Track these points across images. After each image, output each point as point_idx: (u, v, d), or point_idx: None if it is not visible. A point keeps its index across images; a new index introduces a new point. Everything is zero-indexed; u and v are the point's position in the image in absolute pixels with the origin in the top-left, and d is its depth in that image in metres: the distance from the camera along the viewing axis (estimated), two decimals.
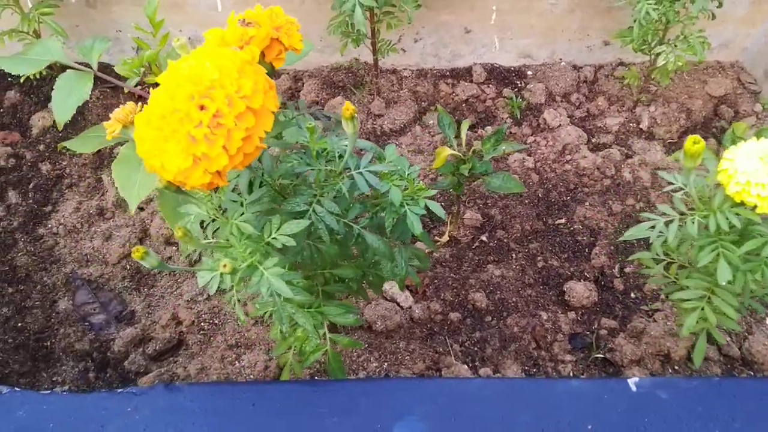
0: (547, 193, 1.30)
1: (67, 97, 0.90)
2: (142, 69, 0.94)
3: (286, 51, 0.67)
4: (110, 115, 0.73)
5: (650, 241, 0.80)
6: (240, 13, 0.67)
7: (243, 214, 0.65)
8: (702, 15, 1.16)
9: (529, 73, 1.49)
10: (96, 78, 0.93)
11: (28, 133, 1.36)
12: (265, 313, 0.78)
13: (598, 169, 1.33)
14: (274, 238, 0.63)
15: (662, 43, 1.24)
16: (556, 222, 1.26)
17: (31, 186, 1.27)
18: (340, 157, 0.69)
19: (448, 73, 1.49)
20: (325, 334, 0.79)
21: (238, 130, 0.55)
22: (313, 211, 0.66)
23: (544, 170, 1.33)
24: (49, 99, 1.39)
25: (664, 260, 0.92)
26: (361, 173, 0.66)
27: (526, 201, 1.29)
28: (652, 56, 1.28)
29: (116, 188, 1.23)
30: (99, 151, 1.32)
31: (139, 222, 1.23)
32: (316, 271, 0.78)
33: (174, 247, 1.20)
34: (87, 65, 0.94)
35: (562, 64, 1.49)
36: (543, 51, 1.47)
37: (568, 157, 1.34)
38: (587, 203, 1.28)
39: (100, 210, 1.23)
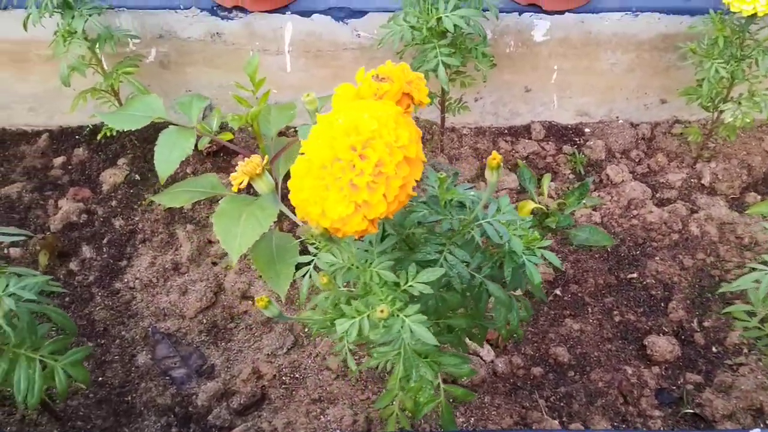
0: (616, 248, 1.30)
1: (171, 152, 0.92)
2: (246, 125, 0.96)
3: (414, 105, 0.69)
4: (236, 168, 0.74)
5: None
6: (371, 71, 0.69)
7: (376, 262, 0.65)
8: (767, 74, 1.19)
9: (587, 130, 1.52)
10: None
11: (99, 189, 1.38)
12: (355, 366, 0.78)
13: (665, 223, 1.33)
14: (410, 285, 0.64)
15: (727, 100, 1.27)
16: (629, 276, 1.26)
17: (104, 241, 1.29)
18: (463, 205, 0.70)
19: (506, 131, 1.52)
20: (439, 384, 0.79)
21: (397, 178, 0.56)
22: (445, 259, 0.67)
23: (612, 225, 1.34)
24: (117, 156, 1.44)
25: (755, 312, 0.92)
26: (490, 223, 0.67)
27: (597, 255, 1.29)
28: (716, 113, 1.31)
29: (191, 243, 1.25)
30: (171, 207, 1.33)
31: (213, 277, 1.23)
32: (433, 321, 0.78)
33: (249, 302, 1.20)
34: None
35: (620, 121, 1.52)
36: (600, 109, 1.50)
37: (635, 212, 1.35)
38: (657, 257, 1.28)
39: (175, 265, 1.24)
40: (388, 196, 0.56)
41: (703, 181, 1.41)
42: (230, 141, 1.24)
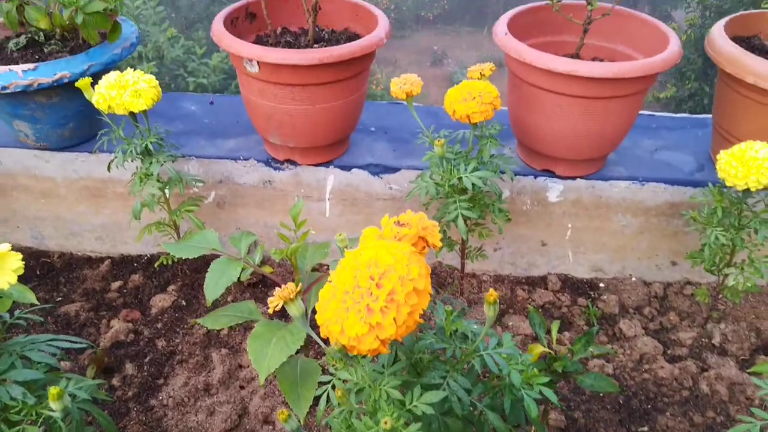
0: (627, 400, 1.34)
1: (219, 279, 1.06)
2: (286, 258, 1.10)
3: (428, 247, 0.82)
4: (274, 293, 0.87)
5: None
6: (393, 217, 0.83)
7: (386, 381, 0.75)
8: (766, 242, 1.29)
9: (602, 285, 1.61)
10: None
11: (148, 312, 1.51)
12: None
13: (675, 380, 1.38)
14: (414, 405, 0.72)
15: (730, 265, 1.36)
16: (639, 429, 1.29)
17: (146, 360, 1.39)
18: (466, 337, 0.80)
19: (523, 280, 1.63)
20: None
21: (406, 305, 0.67)
22: (447, 384, 0.76)
23: (624, 377, 1.39)
24: (168, 283, 1.59)
25: None
26: (490, 354, 0.77)
27: (608, 406, 1.33)
28: (721, 277, 1.40)
29: (223, 366, 1.35)
30: (208, 331, 1.45)
31: (240, 400, 1.31)
32: None
33: (270, 426, 1.27)
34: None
35: (633, 279, 1.62)
36: (614, 266, 1.61)
37: (646, 366, 1.41)
38: (668, 413, 1.32)
39: (206, 386, 1.33)
40: (398, 321, 0.67)
41: (713, 341, 1.46)
42: (270, 273, 1.39)
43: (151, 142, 1.28)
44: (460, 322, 0.78)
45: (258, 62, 1.28)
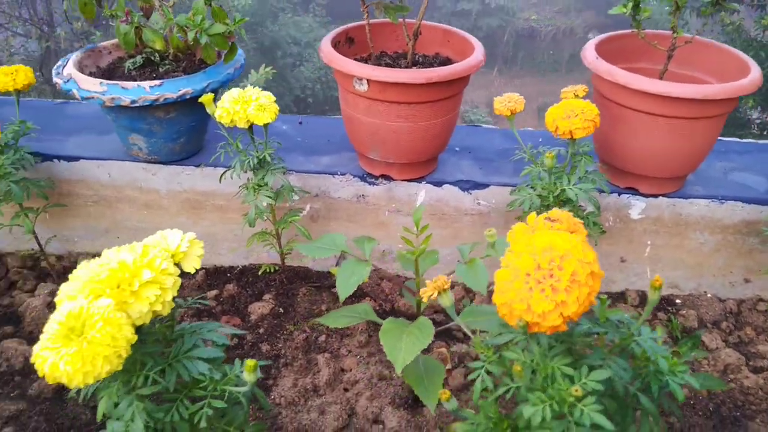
0: (717, 408, 1.39)
1: (350, 278, 1.13)
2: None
3: None
4: (427, 282, 0.94)
5: None
6: (544, 214, 0.90)
7: (556, 360, 0.81)
8: None
9: (678, 301, 1.67)
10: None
11: (247, 319, 1.58)
12: None
13: (761, 389, 1.43)
14: (584, 382, 0.79)
15: None
16: None
17: None
18: (622, 323, 0.86)
19: (604, 295, 1.68)
20: None
21: (586, 286, 0.74)
22: (608, 365, 0.82)
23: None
24: (262, 293, 1.66)
25: None
26: (644, 340, 0.83)
27: (700, 413, 1.38)
28: None
29: (328, 368, 1.41)
30: (308, 336, 1.52)
31: (346, 401, 1.37)
32: None
33: (380, 426, 1.32)
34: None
35: (708, 295, 1.67)
36: (690, 283, 1.67)
37: (732, 376, 1.46)
38: (758, 419, 1.36)
39: (314, 387, 1.39)
40: (579, 299, 0.74)
41: None
42: (367, 284, 1.46)
43: (269, 154, 1.37)
44: (617, 310, 0.85)
45: (368, 81, 1.37)
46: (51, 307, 1.55)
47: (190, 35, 1.38)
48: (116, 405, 0.82)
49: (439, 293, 0.92)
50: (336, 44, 1.54)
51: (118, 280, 0.78)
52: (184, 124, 1.51)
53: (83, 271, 0.82)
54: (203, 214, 1.69)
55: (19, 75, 1.45)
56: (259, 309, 1.59)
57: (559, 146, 1.42)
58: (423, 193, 1.61)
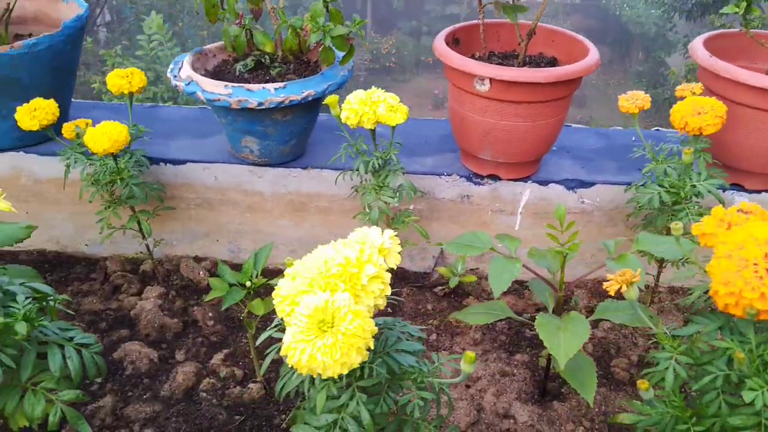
0: None
1: (501, 275, 1.14)
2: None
3: None
4: (610, 276, 0.96)
5: None
6: (736, 207, 0.92)
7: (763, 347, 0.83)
8: None
9: None
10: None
11: None
12: None
13: None
14: None
15: None
16: None
17: None
18: None
19: None
20: None
21: None
22: None
23: None
24: None
25: None
26: None
27: None
28: None
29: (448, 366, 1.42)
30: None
31: (470, 398, 1.38)
32: None
33: (511, 420, 1.33)
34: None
35: None
36: None
37: None
38: None
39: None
40: None
41: None
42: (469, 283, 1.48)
43: (395, 154, 1.38)
44: None
45: (490, 80, 1.39)
46: (164, 309, 1.56)
47: (314, 37, 1.40)
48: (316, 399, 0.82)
49: (628, 286, 0.93)
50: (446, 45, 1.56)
51: (347, 274, 0.79)
52: (297, 126, 1.53)
53: (300, 267, 0.83)
54: (306, 216, 1.70)
55: (134, 78, 1.46)
56: None
57: (659, 143, 1.44)
58: (528, 192, 1.62)
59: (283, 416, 1.32)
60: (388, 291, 0.83)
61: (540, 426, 1.30)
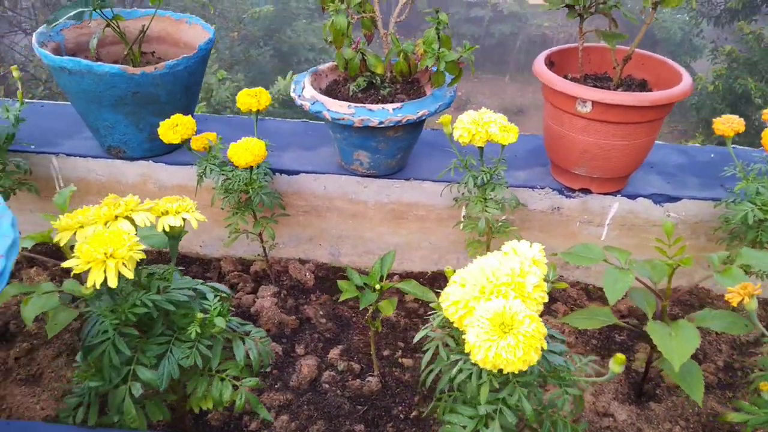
0: None
1: (615, 284, 1.26)
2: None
3: None
4: (731, 289, 1.07)
5: None
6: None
7: None
8: None
9: None
10: None
11: None
12: None
13: None
14: None
15: None
16: None
17: None
18: None
19: None
20: None
21: None
22: None
23: None
24: None
25: None
26: None
27: None
28: None
29: None
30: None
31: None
32: None
33: (610, 418, 1.44)
34: None
35: None
36: None
37: None
38: None
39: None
40: None
41: None
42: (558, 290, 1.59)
43: (503, 170, 1.51)
44: None
45: (592, 102, 1.50)
46: (279, 306, 1.70)
47: (429, 62, 1.53)
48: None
49: (749, 298, 1.04)
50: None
51: (515, 283, 0.91)
52: (405, 142, 1.66)
53: (466, 276, 0.95)
54: (404, 224, 1.83)
55: (262, 96, 1.60)
56: None
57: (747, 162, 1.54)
58: (616, 205, 1.73)
59: (400, 407, 1.46)
60: (546, 299, 0.95)
61: (639, 424, 1.42)
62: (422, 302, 1.79)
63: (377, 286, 1.38)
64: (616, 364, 0.94)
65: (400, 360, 1.59)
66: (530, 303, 0.92)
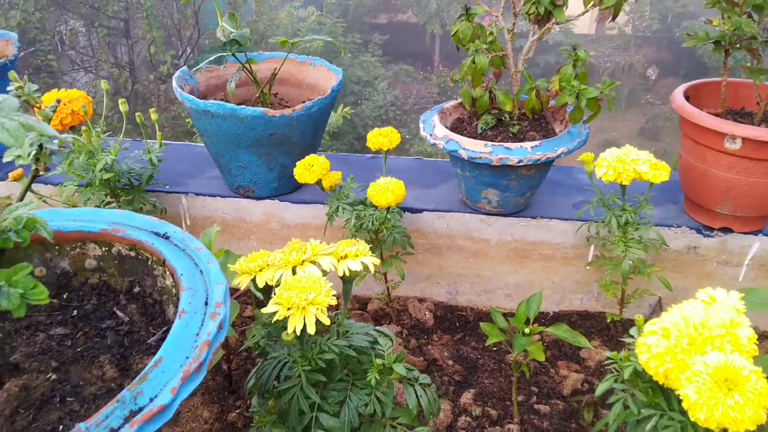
0: None
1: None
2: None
3: None
4: None
5: None
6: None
7: None
8: None
9: None
10: None
11: (583, 363, 1.65)
12: None
13: None
14: None
15: None
16: None
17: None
18: None
19: None
20: None
21: None
22: None
23: None
24: (589, 338, 1.72)
25: None
26: None
27: None
28: None
29: None
30: None
31: None
32: None
33: None
34: None
35: None
36: None
37: None
38: None
39: None
40: None
41: None
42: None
43: (650, 209, 1.45)
44: None
45: (742, 139, 1.44)
46: (404, 347, 1.67)
47: (569, 99, 1.50)
48: None
49: None
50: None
51: (729, 335, 0.86)
52: (535, 180, 1.62)
53: (668, 324, 0.91)
54: (526, 263, 1.78)
55: (393, 136, 1.60)
56: (596, 355, 1.66)
57: None
58: (757, 245, 1.65)
59: None
60: (757, 351, 0.89)
61: None
62: (548, 343, 1.74)
63: (526, 330, 1.33)
64: None
65: (535, 406, 1.53)
66: (744, 356, 0.87)
